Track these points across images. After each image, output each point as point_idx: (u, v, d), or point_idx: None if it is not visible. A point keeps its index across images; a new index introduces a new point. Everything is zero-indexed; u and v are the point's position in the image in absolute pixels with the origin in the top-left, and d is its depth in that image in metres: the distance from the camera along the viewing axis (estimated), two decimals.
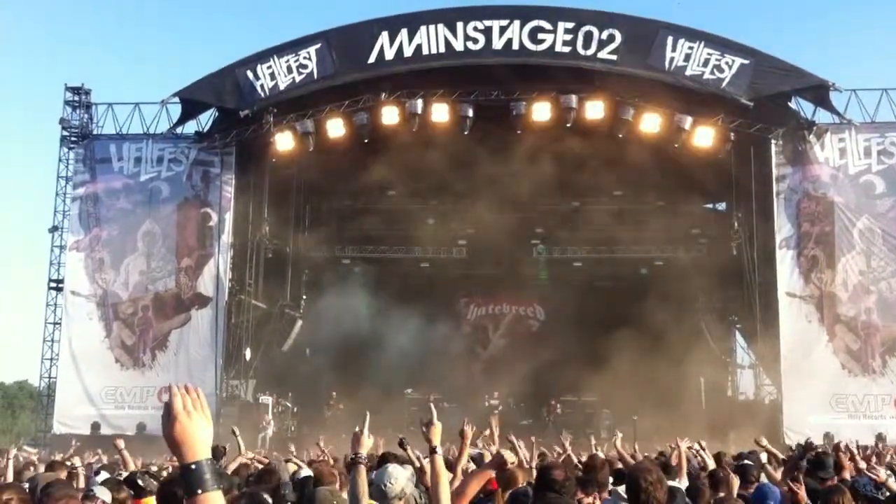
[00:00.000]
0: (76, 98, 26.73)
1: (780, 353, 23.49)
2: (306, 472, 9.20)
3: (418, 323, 27.06)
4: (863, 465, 7.81)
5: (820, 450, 10.39)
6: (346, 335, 26.11)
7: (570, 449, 10.85)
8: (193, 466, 2.32)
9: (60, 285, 26.07)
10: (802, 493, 5.04)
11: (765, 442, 10.65)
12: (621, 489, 5.79)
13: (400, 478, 5.64)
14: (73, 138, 26.55)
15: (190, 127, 26.10)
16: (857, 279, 23.76)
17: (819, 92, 23.86)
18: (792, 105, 24.44)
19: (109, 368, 24.83)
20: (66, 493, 4.84)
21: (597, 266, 29.44)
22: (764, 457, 9.60)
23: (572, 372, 26.10)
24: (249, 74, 24.43)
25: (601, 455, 11.54)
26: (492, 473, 5.71)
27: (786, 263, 23.98)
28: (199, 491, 2.30)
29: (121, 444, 9.61)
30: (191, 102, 25.62)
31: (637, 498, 4.91)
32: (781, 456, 10.06)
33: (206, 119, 26.04)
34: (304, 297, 27.40)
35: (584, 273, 29.81)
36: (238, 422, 23.10)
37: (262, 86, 24.36)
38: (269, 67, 24.38)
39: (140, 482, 6.83)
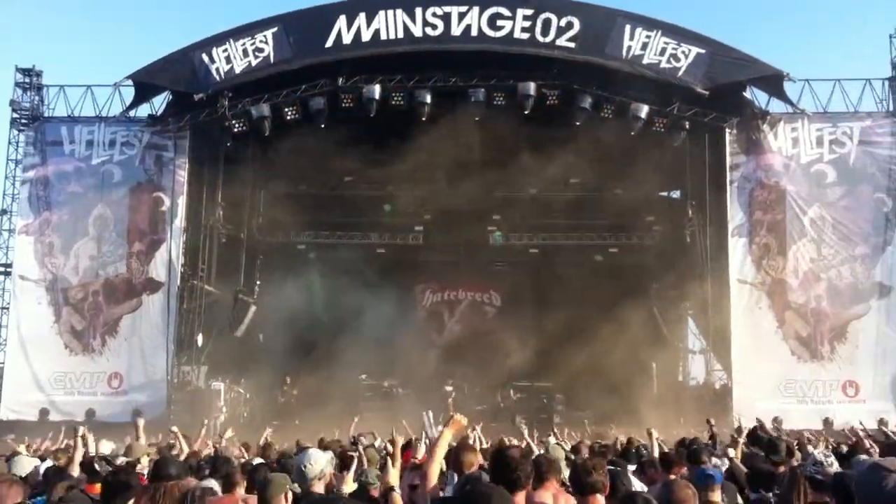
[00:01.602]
0: (27, 80, 26.19)
1: (731, 339, 23.83)
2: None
3: (373, 309, 26.97)
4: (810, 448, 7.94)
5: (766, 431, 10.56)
6: (301, 321, 25.97)
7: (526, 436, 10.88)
8: None
9: (9, 269, 25.60)
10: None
11: (713, 422, 10.84)
12: None
13: (319, 460, 5.73)
14: (23, 120, 26.04)
15: (143, 110, 25.77)
16: (808, 267, 24.15)
17: (773, 82, 24.15)
18: (746, 94, 24.73)
19: (59, 354, 24.45)
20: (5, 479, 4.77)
21: (552, 253, 29.55)
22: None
23: (527, 358, 26.24)
24: (205, 58, 24.09)
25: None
26: (451, 433, 5.79)
27: (738, 251, 24.32)
28: None
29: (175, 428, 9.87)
30: (144, 85, 25.22)
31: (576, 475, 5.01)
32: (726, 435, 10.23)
33: (159, 102, 25.72)
34: (258, 282, 27.17)
35: (539, 260, 29.92)
36: (190, 408, 23.05)
37: (217, 69, 24.05)
38: (225, 51, 24.07)
39: (97, 467, 6.79)
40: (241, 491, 6.47)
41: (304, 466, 5.69)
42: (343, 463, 8.06)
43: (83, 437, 8.72)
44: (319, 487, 5.56)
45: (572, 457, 9.06)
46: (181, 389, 24.20)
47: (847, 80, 24.94)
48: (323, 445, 10.08)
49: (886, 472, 3.05)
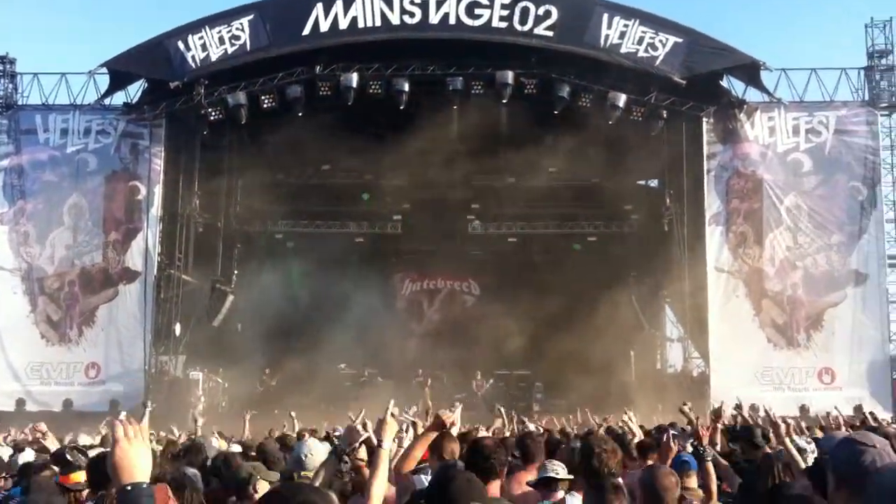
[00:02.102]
0: (0, 67, 25.89)
1: (708, 327, 23.98)
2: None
3: (352, 298, 26.95)
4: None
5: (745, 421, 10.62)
6: (279, 310, 25.89)
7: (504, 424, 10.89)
8: (129, 488, 2.52)
9: None
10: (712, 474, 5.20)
11: (687, 408, 10.87)
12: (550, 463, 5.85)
13: (318, 452, 5.68)
14: None
15: (118, 98, 25.58)
16: (784, 255, 24.32)
17: (750, 71, 24.27)
18: (723, 84, 24.84)
19: (35, 344, 24.27)
20: None
21: (531, 241, 29.62)
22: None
23: (506, 347, 26.30)
24: (180, 45, 23.91)
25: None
26: (434, 435, 5.77)
27: (715, 239, 24.45)
28: None
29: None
30: (119, 73, 25.02)
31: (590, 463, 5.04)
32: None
33: (134, 90, 25.52)
34: (236, 271, 27.04)
35: (518, 248, 29.96)
36: (167, 397, 22.97)
37: (193, 57, 23.88)
38: (201, 38, 23.90)
39: (69, 457, 6.69)
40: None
41: (304, 457, 5.65)
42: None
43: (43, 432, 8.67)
44: (318, 480, 5.51)
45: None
46: (159, 379, 24.10)
47: (823, 69, 25.13)
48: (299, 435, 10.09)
49: (863, 447, 3.05)
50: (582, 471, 5.32)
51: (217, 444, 10.42)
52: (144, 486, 2.53)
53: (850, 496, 3.05)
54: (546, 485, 5.49)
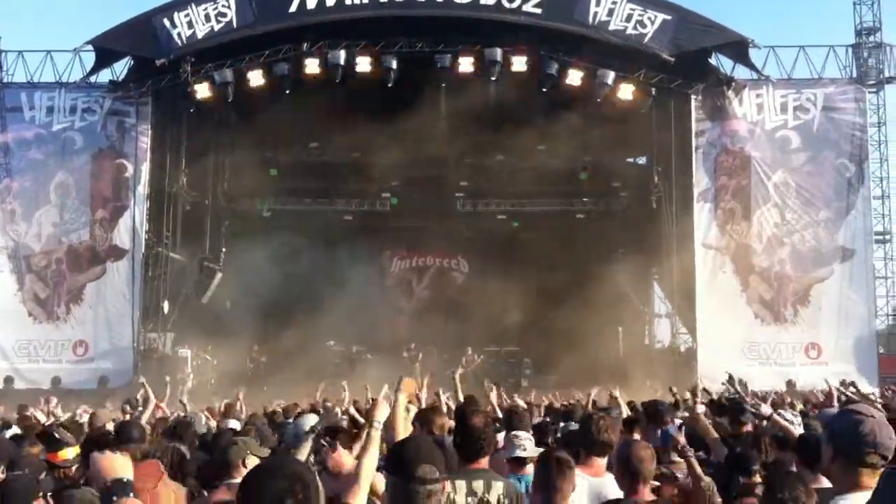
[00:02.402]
0: None
1: (696, 303, 24.10)
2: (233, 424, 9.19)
3: (341, 276, 26.95)
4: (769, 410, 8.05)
5: (732, 395, 10.71)
6: (268, 288, 25.86)
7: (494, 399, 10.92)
8: (109, 482, 3.01)
9: None
10: (697, 468, 5.25)
11: (675, 390, 10.98)
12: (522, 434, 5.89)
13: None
14: None
15: (104, 76, 25.42)
16: (772, 231, 24.43)
17: (738, 48, 24.26)
18: (712, 61, 24.82)
19: (22, 322, 24.23)
20: None
21: (519, 219, 29.66)
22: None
23: (495, 323, 26.38)
24: (166, 22, 23.73)
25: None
26: (405, 395, 5.82)
27: (703, 216, 24.53)
28: (115, 497, 2.97)
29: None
30: (105, 51, 24.83)
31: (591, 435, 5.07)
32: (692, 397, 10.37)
33: (121, 68, 25.36)
34: (224, 249, 26.97)
35: (506, 226, 30.00)
36: (156, 375, 22.93)
37: (179, 34, 23.71)
38: (187, 15, 23.72)
39: (56, 434, 6.69)
40: None
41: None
42: None
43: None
44: (303, 456, 5.53)
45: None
46: (148, 357, 24.08)
47: (811, 46, 25.18)
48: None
49: (861, 416, 3.12)
50: (583, 443, 5.37)
51: (205, 421, 10.44)
52: (126, 479, 3.01)
53: (847, 464, 3.12)
54: (515, 461, 5.54)
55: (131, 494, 2.99)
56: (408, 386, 5.92)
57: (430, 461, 3.45)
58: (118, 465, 3.04)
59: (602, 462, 5.30)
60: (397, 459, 3.53)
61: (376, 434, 4.63)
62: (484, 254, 30.34)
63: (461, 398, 9.01)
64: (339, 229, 29.37)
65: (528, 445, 5.57)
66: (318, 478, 2.74)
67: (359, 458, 4.58)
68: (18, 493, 4.58)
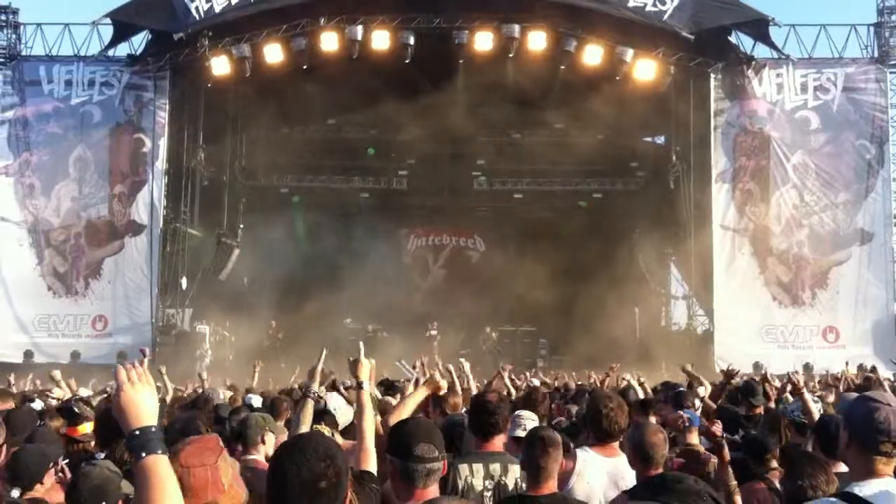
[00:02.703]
0: (3, 17, 25.58)
1: (713, 285, 23.99)
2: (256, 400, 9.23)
3: (358, 253, 27.00)
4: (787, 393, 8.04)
5: (747, 378, 10.68)
6: (285, 265, 25.95)
7: (506, 378, 10.93)
8: (137, 432, 2.48)
9: None
10: (718, 429, 5.17)
11: (689, 367, 10.96)
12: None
13: (343, 407, 5.74)
14: (0, 60, 25.57)
15: (122, 49, 25.39)
16: (791, 213, 24.24)
17: (759, 27, 23.99)
18: (732, 39, 24.58)
19: (42, 296, 24.36)
20: None
21: (536, 198, 29.59)
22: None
23: (511, 302, 26.39)
24: None
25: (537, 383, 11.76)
26: (426, 393, 5.82)
27: (721, 196, 24.35)
28: (143, 454, 2.46)
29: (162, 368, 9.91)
30: (123, 24, 24.79)
31: (599, 423, 5.08)
32: (706, 383, 10.34)
33: (139, 41, 25.34)
34: (242, 225, 27.06)
35: (523, 205, 29.93)
36: (175, 350, 23.11)
37: (196, 8, 23.63)
38: None
39: (76, 409, 6.74)
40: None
41: (335, 410, 5.73)
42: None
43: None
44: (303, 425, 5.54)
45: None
46: (166, 332, 24.19)
47: (832, 25, 24.89)
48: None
49: (877, 404, 3.13)
50: (592, 429, 5.36)
51: (223, 395, 10.50)
52: (153, 429, 2.51)
53: (862, 451, 3.13)
54: (517, 442, 5.52)
55: (159, 451, 2.49)
56: (432, 385, 5.90)
57: (428, 440, 3.47)
58: (145, 407, 2.55)
59: (615, 444, 5.29)
60: (396, 440, 3.56)
61: (365, 394, 4.61)
62: (500, 233, 30.33)
63: (471, 384, 8.99)
64: (356, 207, 29.40)
65: (528, 425, 5.57)
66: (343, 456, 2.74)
67: (356, 422, 4.58)
68: (29, 466, 4.62)
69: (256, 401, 9.12)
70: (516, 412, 5.92)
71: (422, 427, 3.65)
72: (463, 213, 30.40)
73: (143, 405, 2.53)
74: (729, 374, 9.51)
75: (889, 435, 3.08)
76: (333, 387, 8.15)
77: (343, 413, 5.92)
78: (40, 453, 4.93)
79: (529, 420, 5.70)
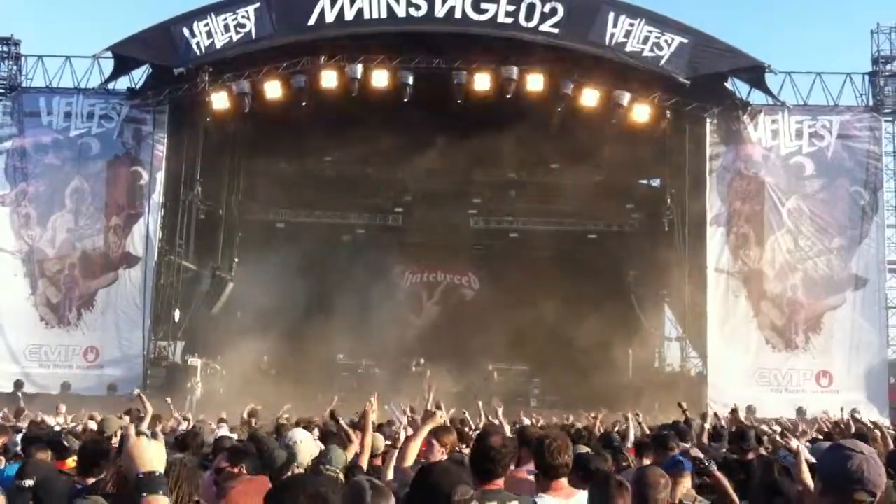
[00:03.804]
0: (5, 49, 25.85)
1: (707, 327, 24.00)
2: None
3: (352, 289, 26.96)
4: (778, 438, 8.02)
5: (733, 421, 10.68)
6: (279, 299, 25.84)
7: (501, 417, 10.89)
8: (142, 475, 2.73)
9: None
10: (724, 480, 5.18)
11: (685, 405, 10.95)
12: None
13: (306, 441, 5.70)
14: (0, 90, 25.71)
15: (122, 83, 25.58)
16: (785, 257, 24.33)
17: (755, 73, 24.26)
18: (728, 85, 24.82)
19: (34, 326, 24.28)
20: None
21: (531, 237, 29.63)
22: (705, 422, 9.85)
23: (504, 341, 26.32)
24: (185, 31, 23.88)
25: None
26: (427, 429, 5.80)
27: (716, 240, 24.46)
28: (145, 494, 2.70)
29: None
30: (124, 58, 25.00)
31: (542, 456, 5.02)
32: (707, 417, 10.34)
33: (139, 75, 25.51)
34: (236, 259, 27.07)
35: (518, 244, 29.99)
36: (165, 383, 23.00)
37: (198, 43, 23.86)
38: (206, 25, 23.86)
39: (65, 442, 6.71)
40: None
41: (295, 443, 5.68)
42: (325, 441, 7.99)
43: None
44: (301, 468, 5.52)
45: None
46: (157, 364, 24.12)
47: (828, 73, 25.22)
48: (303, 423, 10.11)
49: (850, 452, 3.12)
50: (539, 469, 5.30)
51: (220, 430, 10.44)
52: (156, 473, 2.74)
53: (836, 500, 3.11)
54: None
55: (161, 492, 2.73)
56: (434, 420, 5.92)
57: (460, 480, 3.43)
58: (151, 454, 2.79)
59: (564, 482, 5.22)
60: (430, 486, 3.48)
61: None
62: (495, 271, 30.32)
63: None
64: (351, 243, 29.42)
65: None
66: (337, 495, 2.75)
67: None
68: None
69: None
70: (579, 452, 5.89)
71: (452, 470, 3.59)
72: (458, 250, 30.43)
73: (149, 453, 2.77)
74: (703, 417, 9.52)
75: (864, 483, 3.06)
76: (333, 417, 8.14)
77: (304, 444, 5.86)
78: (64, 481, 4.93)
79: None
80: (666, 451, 7.15)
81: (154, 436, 2.87)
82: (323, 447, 6.41)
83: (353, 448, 6.90)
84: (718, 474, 5.32)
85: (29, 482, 5.18)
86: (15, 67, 25.82)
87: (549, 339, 24.98)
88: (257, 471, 5.25)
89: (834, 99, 24.93)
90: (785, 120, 24.85)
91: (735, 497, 5.16)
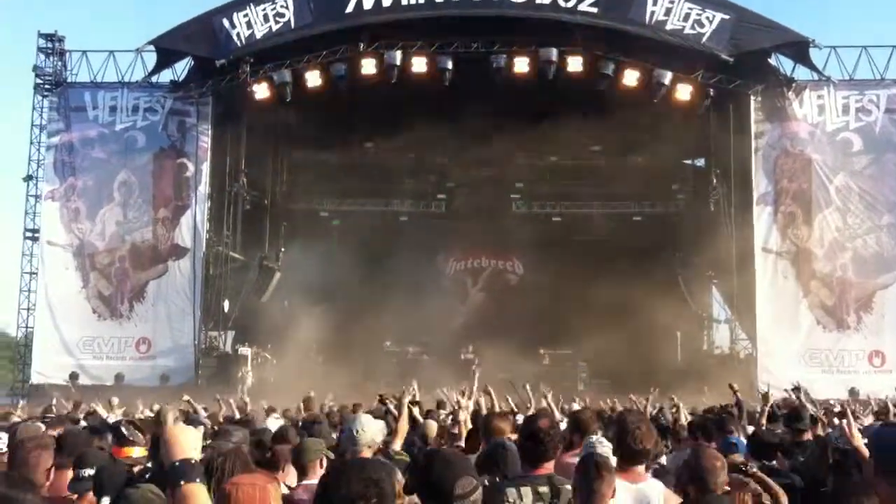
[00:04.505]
0: (49, 45, 26.20)
1: (756, 308, 23.74)
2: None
3: (397, 277, 27.07)
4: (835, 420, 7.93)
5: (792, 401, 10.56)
6: (325, 288, 26.06)
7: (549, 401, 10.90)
8: (178, 463, 2.75)
9: (36, 235, 25.78)
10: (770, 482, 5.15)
11: (736, 386, 10.86)
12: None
13: (370, 427, 5.75)
14: (46, 86, 26.09)
15: (165, 76, 25.87)
16: (834, 236, 23.97)
17: (799, 48, 23.87)
18: (771, 61, 24.47)
19: (87, 319, 24.71)
20: (37, 444, 4.82)
21: (575, 221, 29.51)
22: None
23: (550, 325, 26.27)
24: (226, 23, 24.09)
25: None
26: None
27: (763, 219, 24.16)
28: (182, 482, 2.72)
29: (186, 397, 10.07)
30: (166, 51, 25.28)
31: (623, 441, 5.01)
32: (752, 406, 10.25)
33: (181, 68, 25.77)
34: (283, 249, 27.29)
35: (562, 228, 29.87)
36: (217, 372, 23.32)
37: (238, 35, 24.05)
38: (246, 16, 24.05)
39: (124, 430, 6.84)
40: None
41: (356, 432, 5.70)
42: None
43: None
44: (367, 455, 5.56)
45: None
46: (208, 354, 24.44)
47: (874, 47, 24.70)
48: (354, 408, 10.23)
49: None
50: (617, 449, 5.30)
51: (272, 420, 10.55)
52: (192, 461, 2.77)
53: (890, 482, 3.07)
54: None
55: (197, 480, 2.74)
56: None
57: (464, 472, 3.27)
58: (187, 441, 2.82)
59: (640, 468, 5.22)
60: (431, 477, 3.27)
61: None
62: (539, 255, 30.21)
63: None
64: (394, 230, 29.52)
65: (600, 448, 5.51)
66: (395, 479, 2.76)
67: None
68: (113, 479, 4.70)
69: (273, 423, 9.11)
70: (589, 435, 5.88)
71: (454, 461, 3.36)
72: (501, 236, 30.36)
73: (185, 440, 2.80)
74: (765, 399, 9.41)
75: None
76: (382, 402, 8.21)
77: (368, 430, 5.89)
78: (121, 469, 5.02)
79: (599, 443, 5.65)
80: (723, 434, 7.09)
81: (193, 423, 2.93)
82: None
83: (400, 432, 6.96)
84: (762, 475, 5.28)
85: (89, 472, 5.28)
86: (60, 63, 26.18)
87: (595, 323, 24.83)
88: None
89: (881, 73, 24.45)
90: (831, 95, 24.44)
91: (781, 494, 5.12)
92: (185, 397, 11.05)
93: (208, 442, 5.81)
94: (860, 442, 6.04)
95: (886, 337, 23.47)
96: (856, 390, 21.08)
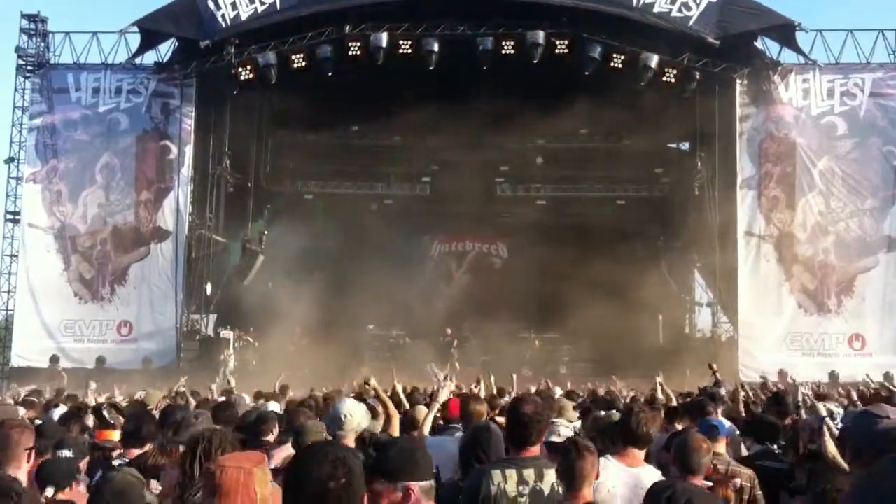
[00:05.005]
0: (32, 26, 25.94)
1: (738, 292, 23.84)
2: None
3: (381, 260, 27.04)
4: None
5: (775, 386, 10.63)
6: (309, 271, 26.02)
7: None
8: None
9: (17, 217, 25.62)
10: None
11: (715, 366, 10.91)
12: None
13: (357, 412, 5.74)
14: (29, 67, 25.84)
15: (149, 57, 25.64)
16: (816, 219, 24.06)
17: (785, 32, 23.88)
18: (757, 45, 24.47)
19: (68, 301, 24.59)
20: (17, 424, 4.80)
21: (560, 204, 29.53)
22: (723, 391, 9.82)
23: (534, 309, 26.32)
24: (210, 3, 23.87)
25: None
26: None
27: (746, 203, 24.23)
28: None
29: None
30: (150, 32, 25.06)
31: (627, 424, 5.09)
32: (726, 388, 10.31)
33: (165, 49, 25.57)
34: (266, 232, 27.19)
35: (547, 211, 29.86)
36: (199, 356, 23.27)
37: (223, 16, 23.85)
38: None
39: (105, 414, 6.82)
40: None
41: (344, 416, 5.68)
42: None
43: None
44: (351, 440, 5.54)
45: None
46: (190, 338, 24.38)
47: (860, 30, 24.72)
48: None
49: (878, 418, 3.10)
50: (623, 435, 5.32)
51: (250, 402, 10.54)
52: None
53: (864, 467, 3.09)
54: (551, 448, 5.44)
55: None
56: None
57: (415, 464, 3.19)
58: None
59: (639, 453, 5.26)
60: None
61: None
62: (523, 239, 30.23)
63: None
64: (379, 213, 29.46)
65: (563, 431, 5.52)
66: (359, 460, 2.76)
67: None
68: (61, 470, 4.68)
69: (274, 407, 9.13)
70: (553, 419, 5.88)
71: (407, 450, 3.31)
72: (486, 219, 30.40)
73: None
74: (741, 386, 9.48)
75: (892, 448, 3.04)
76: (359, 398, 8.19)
77: (356, 415, 5.86)
78: (70, 459, 5.00)
79: (563, 426, 5.67)
80: (702, 416, 7.13)
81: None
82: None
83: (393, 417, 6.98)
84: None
85: (66, 453, 5.29)
86: (42, 44, 25.93)
87: (579, 306, 24.91)
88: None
89: (866, 56, 24.50)
90: (816, 79, 24.47)
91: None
92: (183, 379, 11.05)
93: None
94: (834, 450, 6.09)
95: (867, 321, 23.63)
96: (835, 373, 21.24)
